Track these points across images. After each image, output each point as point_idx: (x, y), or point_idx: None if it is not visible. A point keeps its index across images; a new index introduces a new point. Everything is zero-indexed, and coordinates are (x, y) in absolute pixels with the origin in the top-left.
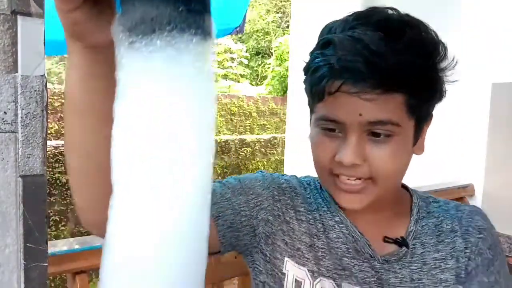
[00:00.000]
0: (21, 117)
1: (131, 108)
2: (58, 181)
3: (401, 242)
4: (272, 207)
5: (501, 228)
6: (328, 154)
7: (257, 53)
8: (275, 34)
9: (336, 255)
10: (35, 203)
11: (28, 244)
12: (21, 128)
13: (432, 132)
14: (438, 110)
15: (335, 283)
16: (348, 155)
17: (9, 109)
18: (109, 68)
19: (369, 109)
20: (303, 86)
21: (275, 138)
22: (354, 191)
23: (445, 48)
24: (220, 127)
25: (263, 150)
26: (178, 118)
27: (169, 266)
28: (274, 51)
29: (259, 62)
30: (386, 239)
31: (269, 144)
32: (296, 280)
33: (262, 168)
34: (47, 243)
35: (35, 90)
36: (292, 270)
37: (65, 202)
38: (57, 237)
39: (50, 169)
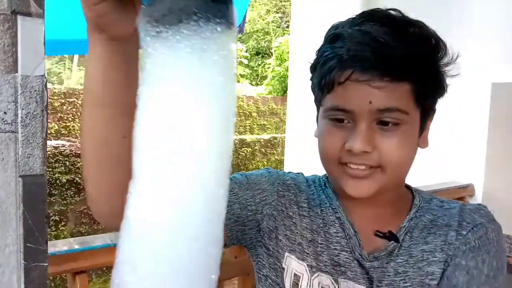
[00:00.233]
0: (21, 117)
1: (157, 95)
2: (58, 181)
3: (390, 237)
4: (276, 202)
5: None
6: (337, 143)
7: (257, 53)
8: (275, 34)
9: (334, 250)
10: (35, 203)
11: (28, 244)
12: (21, 128)
13: (432, 132)
14: (439, 110)
15: (333, 279)
16: (358, 142)
17: (9, 109)
18: (129, 59)
19: (378, 97)
20: (307, 85)
21: (275, 138)
22: (362, 177)
23: (445, 45)
24: None
25: (263, 150)
26: (203, 103)
27: (188, 250)
28: (274, 51)
29: (259, 62)
30: (376, 233)
31: (269, 144)
32: (295, 274)
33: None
34: (47, 243)
35: (35, 90)
36: (292, 264)
37: (65, 202)
38: (57, 237)
39: (50, 169)
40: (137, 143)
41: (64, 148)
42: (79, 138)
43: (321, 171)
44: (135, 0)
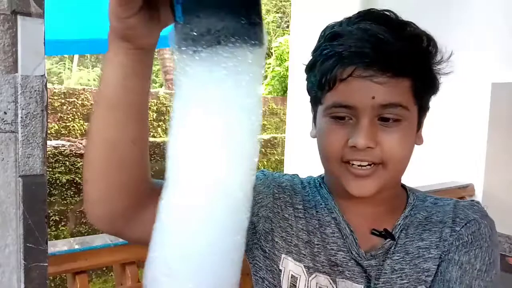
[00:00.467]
0: (21, 117)
1: (193, 113)
2: (58, 181)
3: (386, 235)
4: (272, 205)
5: (501, 228)
6: (339, 141)
7: None
8: (275, 34)
9: (331, 250)
10: (35, 203)
11: (28, 244)
12: (21, 128)
13: (432, 132)
14: (439, 110)
15: (330, 279)
16: (362, 138)
17: (9, 109)
18: (148, 67)
19: (381, 92)
20: (304, 85)
21: (275, 138)
22: (364, 176)
23: (436, 44)
24: None
25: (263, 150)
26: (234, 122)
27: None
28: (274, 51)
29: None
30: (373, 231)
31: (269, 144)
32: (292, 276)
33: (262, 168)
34: (47, 243)
35: (35, 90)
36: (288, 266)
37: (65, 202)
38: (57, 237)
39: (50, 169)
40: (172, 149)
41: (64, 148)
42: (79, 138)
43: (321, 171)
44: (160, 13)
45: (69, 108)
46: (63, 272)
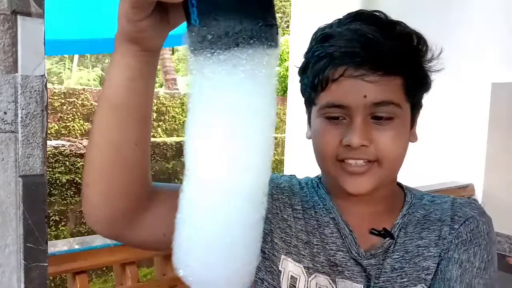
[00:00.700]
0: (21, 117)
1: (212, 115)
2: (58, 181)
3: (385, 234)
4: (271, 206)
5: (501, 228)
6: (334, 140)
7: None
8: None
9: (330, 250)
10: (35, 203)
11: (28, 244)
12: (21, 128)
13: (432, 132)
14: (439, 110)
15: (330, 279)
16: (356, 136)
17: (9, 109)
18: (155, 70)
19: (372, 91)
20: (299, 86)
21: (275, 138)
22: (360, 173)
23: (427, 42)
24: None
25: None
26: (252, 123)
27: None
28: None
29: None
30: (371, 231)
31: None
32: (291, 276)
33: None
34: (47, 243)
35: (35, 90)
36: (288, 267)
37: (65, 202)
38: (57, 237)
39: (50, 169)
40: (191, 148)
41: (64, 148)
42: (79, 138)
43: (320, 171)
44: (169, 15)
45: (69, 108)
46: (63, 272)
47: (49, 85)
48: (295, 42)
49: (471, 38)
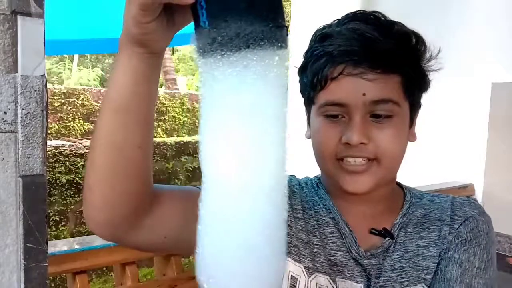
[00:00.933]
0: (21, 117)
1: (225, 117)
2: (58, 181)
3: (385, 234)
4: None
5: (501, 228)
6: (333, 139)
7: None
8: None
9: (330, 250)
10: (35, 203)
11: (28, 244)
12: (21, 128)
13: (432, 132)
14: (439, 110)
15: (330, 279)
16: (355, 134)
17: (9, 109)
18: (159, 72)
19: (371, 89)
20: (298, 86)
21: None
22: (359, 171)
23: (425, 42)
24: None
25: None
26: (266, 119)
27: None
28: None
29: None
30: (371, 231)
31: None
32: (292, 276)
33: None
34: (47, 243)
35: (35, 90)
36: (288, 267)
37: (65, 202)
38: (57, 237)
39: (50, 169)
40: (206, 150)
41: (64, 148)
42: (79, 138)
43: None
44: (175, 17)
45: (69, 108)
46: (63, 272)
47: (49, 85)
48: (295, 42)
49: (471, 38)
